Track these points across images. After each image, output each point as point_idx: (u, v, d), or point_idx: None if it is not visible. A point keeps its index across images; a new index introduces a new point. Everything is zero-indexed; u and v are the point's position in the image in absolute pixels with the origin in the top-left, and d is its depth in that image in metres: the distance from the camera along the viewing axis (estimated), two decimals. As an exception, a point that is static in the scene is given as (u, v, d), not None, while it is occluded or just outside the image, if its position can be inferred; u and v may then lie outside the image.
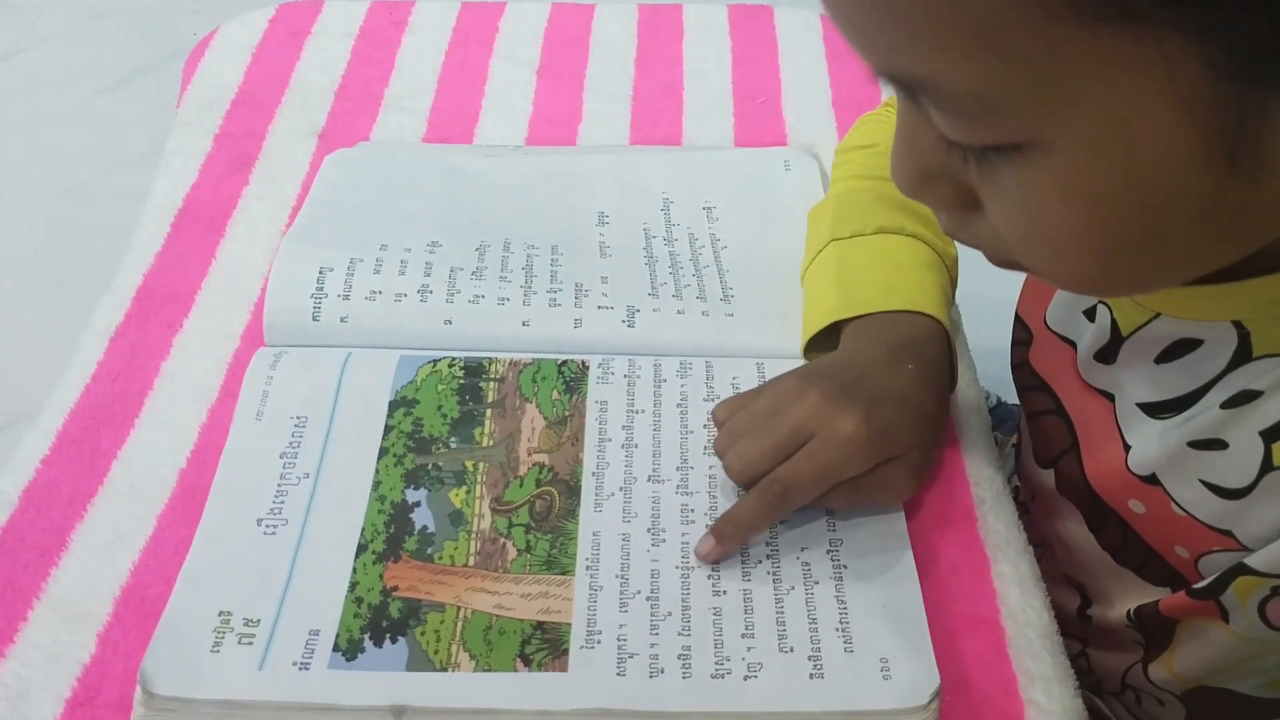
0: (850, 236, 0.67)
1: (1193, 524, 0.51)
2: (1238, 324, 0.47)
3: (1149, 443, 0.52)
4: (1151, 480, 0.52)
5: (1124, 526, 0.57)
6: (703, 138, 0.88)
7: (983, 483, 0.62)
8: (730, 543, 0.57)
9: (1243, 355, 0.47)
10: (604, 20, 1.00)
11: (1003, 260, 0.45)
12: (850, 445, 0.56)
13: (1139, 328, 0.51)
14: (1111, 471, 0.55)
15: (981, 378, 0.69)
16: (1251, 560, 0.49)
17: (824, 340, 0.65)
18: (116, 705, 0.52)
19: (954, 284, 0.67)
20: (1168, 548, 0.55)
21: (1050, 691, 0.53)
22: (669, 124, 0.89)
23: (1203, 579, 0.53)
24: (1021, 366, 0.63)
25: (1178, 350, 0.50)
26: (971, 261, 0.77)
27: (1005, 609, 0.56)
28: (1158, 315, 0.50)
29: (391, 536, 0.58)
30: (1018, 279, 0.65)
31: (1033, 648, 0.55)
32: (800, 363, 0.66)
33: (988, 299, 0.72)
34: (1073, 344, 0.57)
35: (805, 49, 0.97)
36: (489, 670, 0.53)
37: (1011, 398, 0.91)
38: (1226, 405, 0.47)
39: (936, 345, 0.62)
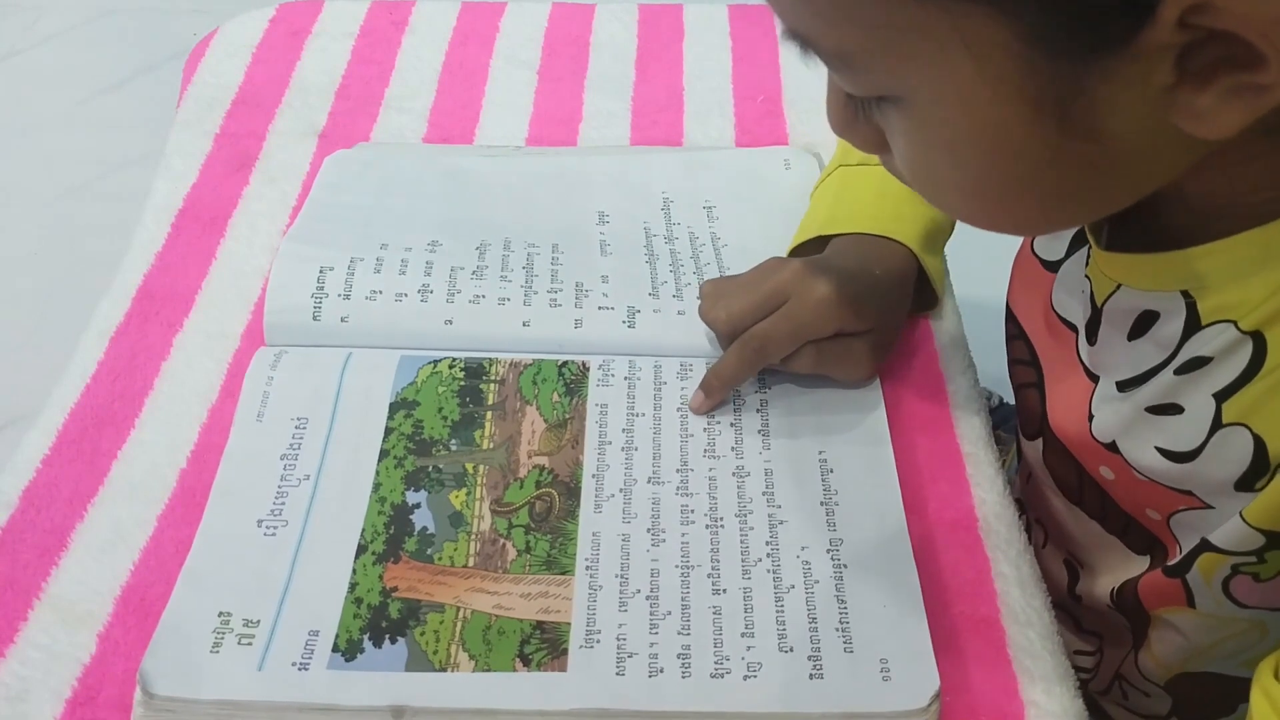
0: (857, 164, 0.73)
1: (1155, 486, 0.52)
2: (1185, 293, 0.48)
3: (1110, 413, 0.54)
4: (1112, 448, 0.54)
5: (1101, 493, 0.58)
6: (703, 138, 0.88)
7: (984, 483, 0.62)
8: (717, 395, 0.64)
9: (1192, 324, 0.48)
10: (604, 20, 1.00)
11: None
12: (822, 307, 0.63)
13: (1108, 297, 0.53)
14: (1079, 441, 0.56)
15: (982, 377, 0.69)
16: (1214, 537, 0.50)
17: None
18: (116, 705, 0.52)
19: None
20: (1140, 511, 0.56)
21: (1050, 691, 0.53)
22: (669, 124, 0.89)
23: (1177, 542, 0.54)
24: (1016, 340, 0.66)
25: (1144, 324, 0.51)
26: (970, 263, 0.77)
27: (1006, 609, 0.56)
28: (1120, 286, 0.52)
29: (391, 538, 0.58)
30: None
31: (1033, 648, 0.55)
32: None
33: (987, 299, 0.72)
34: (1074, 328, 0.58)
35: (805, 49, 0.97)
36: (488, 670, 0.53)
37: (1012, 398, 0.91)
38: (1180, 372, 0.49)
39: (903, 265, 0.68)
